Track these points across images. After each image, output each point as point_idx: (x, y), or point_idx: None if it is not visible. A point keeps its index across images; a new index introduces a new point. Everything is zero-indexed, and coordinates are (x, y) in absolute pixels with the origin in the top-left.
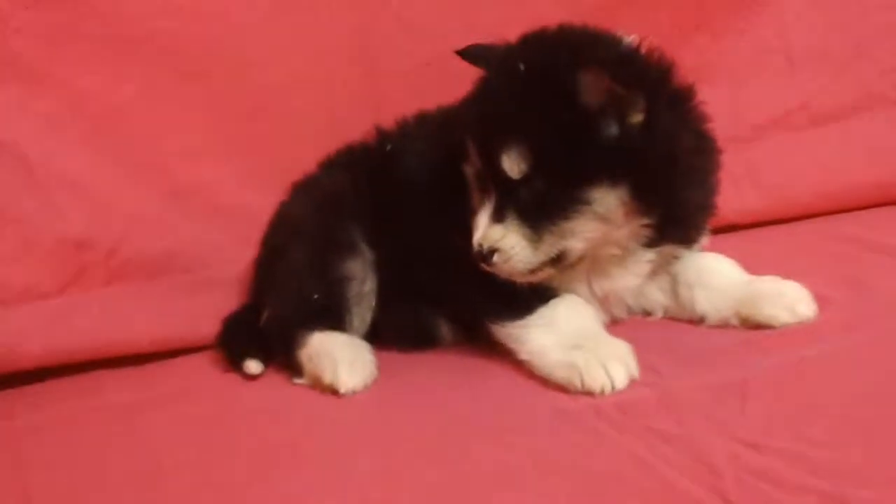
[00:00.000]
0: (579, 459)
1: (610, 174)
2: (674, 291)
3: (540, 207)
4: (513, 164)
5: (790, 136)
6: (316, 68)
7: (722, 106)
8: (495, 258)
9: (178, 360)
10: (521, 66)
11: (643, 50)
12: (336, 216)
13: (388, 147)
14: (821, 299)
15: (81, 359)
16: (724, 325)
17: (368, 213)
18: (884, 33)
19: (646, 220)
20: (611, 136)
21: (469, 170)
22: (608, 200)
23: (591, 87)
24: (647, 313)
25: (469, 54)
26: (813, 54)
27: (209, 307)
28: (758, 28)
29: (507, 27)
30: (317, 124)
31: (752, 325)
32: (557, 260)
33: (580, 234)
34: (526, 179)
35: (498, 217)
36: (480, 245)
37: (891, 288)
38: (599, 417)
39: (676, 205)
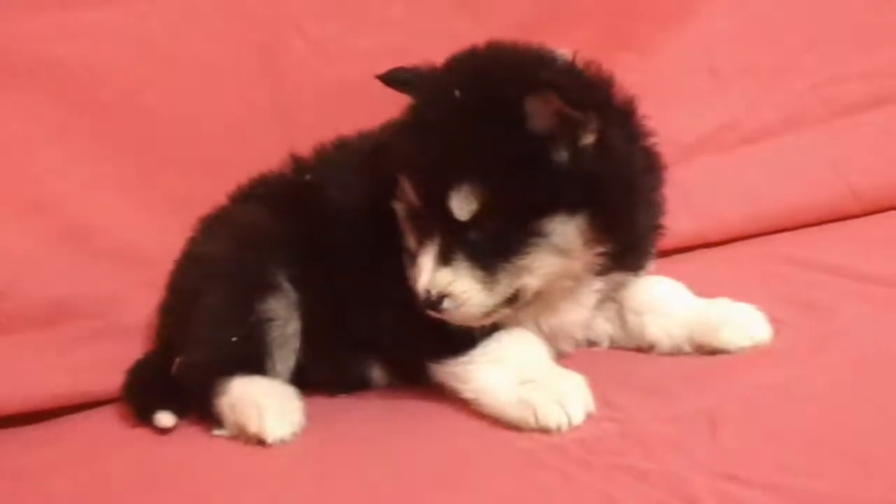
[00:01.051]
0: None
1: (566, 203)
2: (621, 319)
3: (492, 246)
4: (461, 205)
5: (719, 156)
6: (219, 92)
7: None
8: (445, 304)
9: (79, 416)
10: (457, 93)
11: (580, 65)
12: (254, 252)
13: (307, 177)
14: (773, 322)
15: None
16: (675, 353)
17: (289, 249)
18: (812, 46)
19: (601, 249)
20: (562, 163)
21: (401, 207)
22: (566, 231)
23: (540, 113)
24: (593, 343)
25: (393, 80)
26: (740, 70)
27: (110, 356)
28: (683, 44)
29: (420, 46)
30: (222, 153)
31: (707, 351)
32: (513, 299)
33: (537, 269)
34: (475, 219)
35: (444, 259)
36: (428, 291)
37: (842, 307)
38: (562, 456)
39: (632, 229)
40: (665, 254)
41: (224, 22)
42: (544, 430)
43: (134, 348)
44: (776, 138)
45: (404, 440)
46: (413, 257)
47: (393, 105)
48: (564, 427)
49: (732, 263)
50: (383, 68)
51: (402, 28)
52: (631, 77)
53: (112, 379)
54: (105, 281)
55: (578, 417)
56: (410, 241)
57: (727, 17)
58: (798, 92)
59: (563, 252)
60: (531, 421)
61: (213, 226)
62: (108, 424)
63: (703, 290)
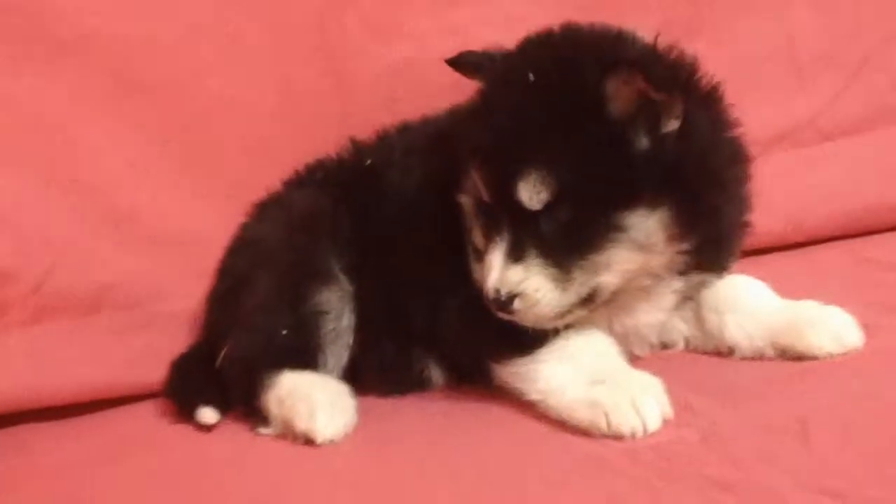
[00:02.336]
0: None
1: (647, 195)
2: (698, 319)
3: (566, 240)
4: (531, 194)
5: (798, 152)
6: (273, 73)
7: None
8: (516, 304)
9: (118, 411)
10: (531, 76)
11: (661, 47)
12: (309, 240)
13: (369, 162)
14: (863, 327)
15: (2, 411)
16: (756, 357)
17: (346, 238)
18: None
19: (684, 245)
20: (643, 150)
21: (466, 200)
22: (647, 225)
23: (621, 94)
24: (667, 346)
25: (462, 63)
26: (822, 62)
27: (154, 349)
28: (761, 32)
29: (483, 28)
30: (275, 137)
31: (792, 356)
32: (589, 299)
33: (616, 266)
34: (547, 209)
35: (515, 256)
36: (497, 291)
37: None
38: (637, 464)
39: (717, 224)
40: (741, 254)
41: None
42: (617, 436)
43: (179, 340)
44: (858, 135)
45: (463, 443)
46: (479, 254)
47: (452, 88)
48: (639, 432)
49: (813, 265)
50: (441, 50)
51: (460, 9)
52: (704, 66)
53: (155, 372)
54: (150, 268)
55: (655, 422)
56: (477, 237)
57: (809, 5)
58: (882, 87)
59: (643, 248)
60: (602, 425)
61: (267, 211)
62: (148, 420)
63: (784, 293)
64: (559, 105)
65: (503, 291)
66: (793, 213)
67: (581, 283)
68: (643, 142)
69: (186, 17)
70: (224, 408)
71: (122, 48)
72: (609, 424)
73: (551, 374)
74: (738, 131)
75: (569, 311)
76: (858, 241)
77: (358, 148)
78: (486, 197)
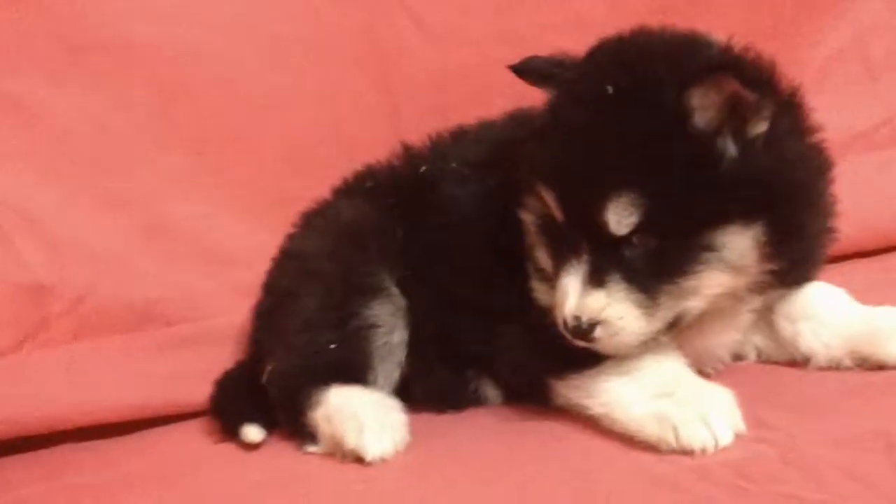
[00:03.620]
0: None
1: (740, 211)
2: (771, 327)
3: (653, 264)
4: (620, 218)
5: (873, 155)
6: (319, 77)
7: None
8: (598, 332)
9: (162, 431)
10: (610, 89)
11: (738, 50)
12: (359, 253)
13: (423, 169)
14: None
15: (41, 430)
16: (834, 367)
17: (398, 251)
18: None
19: (774, 265)
20: (732, 162)
21: (530, 218)
22: (741, 244)
23: (707, 104)
24: (738, 357)
25: (528, 71)
26: (894, 61)
27: (198, 366)
28: (835, 32)
29: (542, 33)
30: (322, 144)
31: (872, 366)
32: (673, 324)
33: (705, 290)
34: (634, 233)
35: (596, 281)
36: (577, 318)
37: None
38: (710, 483)
39: (806, 239)
40: None
41: (327, 1)
42: (686, 452)
43: (224, 357)
44: None
45: (520, 462)
46: (543, 274)
47: (507, 95)
48: (710, 448)
49: (889, 273)
50: (497, 55)
51: (517, 12)
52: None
53: (199, 390)
54: (194, 283)
55: (726, 438)
56: (542, 258)
57: (884, 2)
58: None
59: (735, 269)
60: (671, 440)
61: (314, 222)
62: (192, 439)
63: (861, 300)
64: (641, 120)
65: (584, 319)
66: (868, 219)
67: (667, 309)
68: (731, 150)
69: (229, 25)
70: (270, 426)
71: (163, 56)
72: (678, 439)
73: (616, 387)
74: (820, 136)
75: (653, 338)
76: None
77: (410, 154)
78: (560, 218)
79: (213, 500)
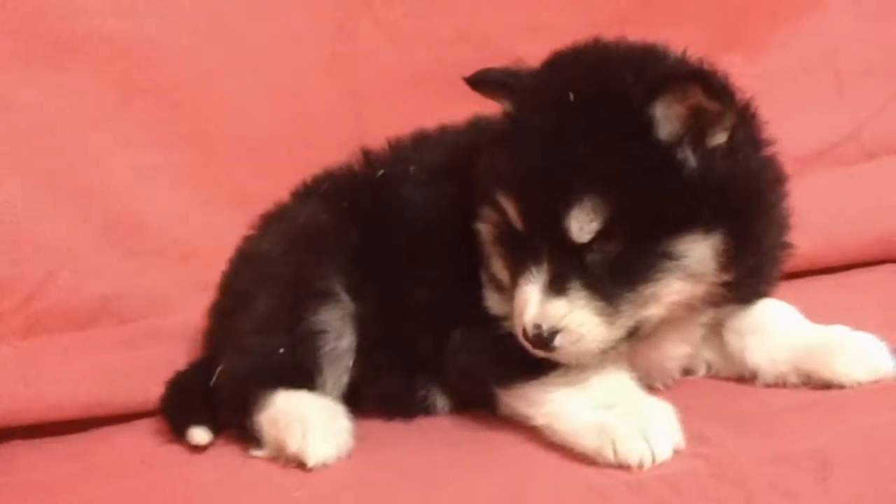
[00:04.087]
0: None
1: (700, 219)
2: (722, 341)
3: (614, 271)
4: (582, 224)
5: (839, 170)
6: (286, 79)
7: None
8: (558, 341)
9: (112, 429)
10: (572, 96)
11: (692, 62)
12: (311, 257)
13: (381, 173)
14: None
15: None
16: (780, 383)
17: (350, 255)
18: None
19: (730, 274)
20: (692, 170)
21: (486, 228)
22: (700, 252)
23: (671, 114)
24: (687, 371)
25: (483, 83)
26: (864, 75)
27: (153, 364)
28: (801, 42)
29: (507, 37)
30: (288, 145)
31: (817, 383)
32: (632, 333)
33: (665, 298)
34: (595, 240)
35: (556, 289)
36: (538, 327)
37: None
38: (642, 496)
39: (761, 249)
40: None
41: (294, 4)
42: (623, 465)
43: (181, 356)
44: None
45: (462, 472)
46: (497, 284)
47: (471, 99)
48: (647, 463)
49: (851, 290)
50: (460, 57)
51: (483, 15)
52: (740, 80)
53: (154, 389)
54: (152, 280)
55: (664, 452)
56: (497, 268)
57: (852, 12)
58: None
59: (695, 277)
60: (609, 453)
61: (269, 224)
62: (140, 439)
63: (817, 317)
64: (604, 128)
65: (545, 327)
66: (833, 235)
67: (628, 317)
68: (691, 160)
69: (197, 21)
70: (217, 428)
71: (129, 50)
72: (616, 452)
73: (559, 398)
74: (774, 149)
75: (612, 347)
76: None
77: (369, 158)
78: (519, 227)
79: (154, 502)
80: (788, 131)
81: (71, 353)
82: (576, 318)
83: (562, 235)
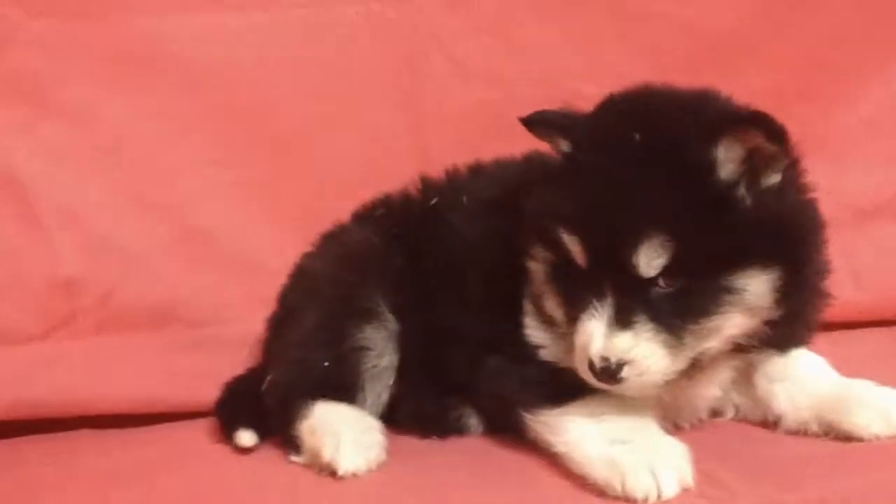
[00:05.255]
0: None
1: (759, 255)
2: (750, 385)
3: (678, 305)
4: (650, 260)
5: None
6: (355, 107)
7: (821, 185)
8: (625, 372)
9: (171, 426)
10: (637, 137)
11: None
12: (357, 276)
13: (434, 201)
14: None
15: (59, 414)
16: (802, 431)
17: (396, 277)
18: None
19: (782, 311)
20: (747, 208)
21: (537, 267)
22: (759, 287)
23: (732, 156)
24: (716, 413)
25: (540, 122)
26: None
27: (212, 369)
28: (872, 100)
29: (573, 78)
30: (353, 170)
31: (837, 435)
32: (692, 365)
33: (725, 331)
34: (660, 275)
35: (622, 322)
36: (606, 360)
37: None
38: None
39: (805, 290)
40: (825, 327)
41: (366, 34)
42: (629, 499)
43: (239, 363)
44: None
45: (482, 493)
46: (545, 319)
47: (532, 137)
48: (652, 499)
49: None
50: (525, 96)
51: (549, 57)
52: (807, 130)
53: (211, 391)
54: (218, 290)
55: (671, 490)
56: (549, 305)
57: None
58: None
59: (752, 311)
60: (617, 486)
61: (325, 243)
62: (196, 436)
63: (852, 367)
64: (667, 168)
65: (612, 359)
66: (889, 289)
67: (691, 349)
68: (747, 199)
69: (276, 48)
70: (264, 432)
71: (209, 72)
72: (623, 485)
73: (577, 427)
74: (814, 195)
75: (674, 379)
76: None
77: (426, 186)
78: (582, 262)
79: (192, 496)
80: (852, 183)
81: (139, 353)
82: (642, 351)
83: (628, 270)
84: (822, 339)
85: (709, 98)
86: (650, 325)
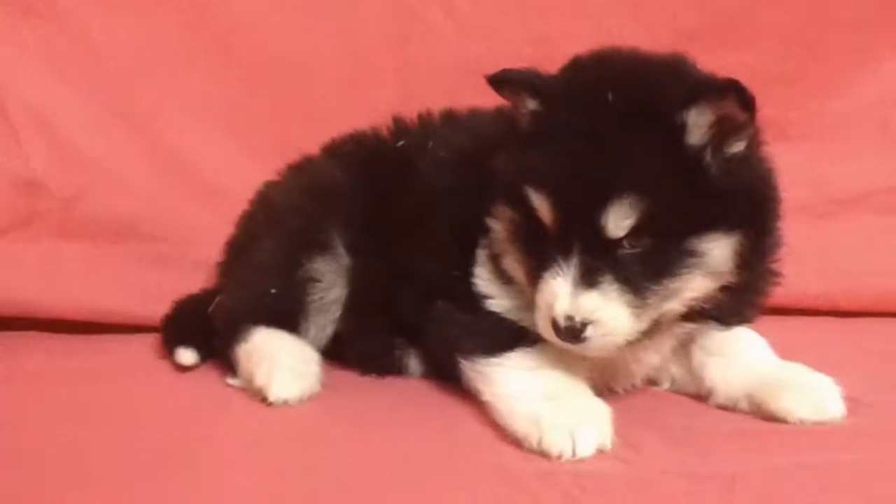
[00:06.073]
0: None
1: (723, 220)
2: (687, 357)
3: (643, 266)
4: (619, 220)
5: (871, 219)
6: (342, 44)
7: (798, 171)
8: (589, 332)
9: (119, 337)
10: (610, 97)
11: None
12: (317, 208)
13: (401, 143)
14: (854, 402)
15: (9, 313)
16: (732, 408)
17: (355, 213)
18: None
19: (743, 277)
20: (713, 174)
21: (499, 226)
22: (721, 251)
23: (702, 120)
24: (652, 382)
25: (508, 81)
26: None
27: (167, 287)
28: (856, 90)
29: (570, 42)
30: (333, 108)
31: (765, 415)
32: (654, 327)
33: (687, 293)
34: (628, 236)
35: (588, 282)
36: (571, 318)
37: None
38: (547, 485)
39: (764, 261)
40: (781, 312)
41: None
42: (545, 455)
43: (194, 283)
44: None
45: (407, 433)
46: (507, 279)
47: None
48: (567, 457)
49: (848, 336)
50: (520, 53)
51: (550, 20)
52: (790, 115)
53: (163, 309)
54: (184, 209)
55: (587, 450)
56: (510, 264)
57: None
58: None
59: (714, 275)
60: (534, 441)
61: (291, 174)
62: (141, 351)
63: (795, 353)
64: (640, 130)
65: (577, 318)
66: (851, 280)
67: (653, 310)
68: (712, 164)
69: None
70: (207, 353)
71: (205, 3)
72: (540, 442)
73: (509, 380)
74: (772, 165)
75: (636, 340)
76: None
77: (398, 128)
78: (549, 222)
79: (120, 407)
80: (829, 171)
81: (96, 263)
82: (608, 311)
83: (595, 231)
84: (773, 322)
85: (679, 63)
86: (616, 286)
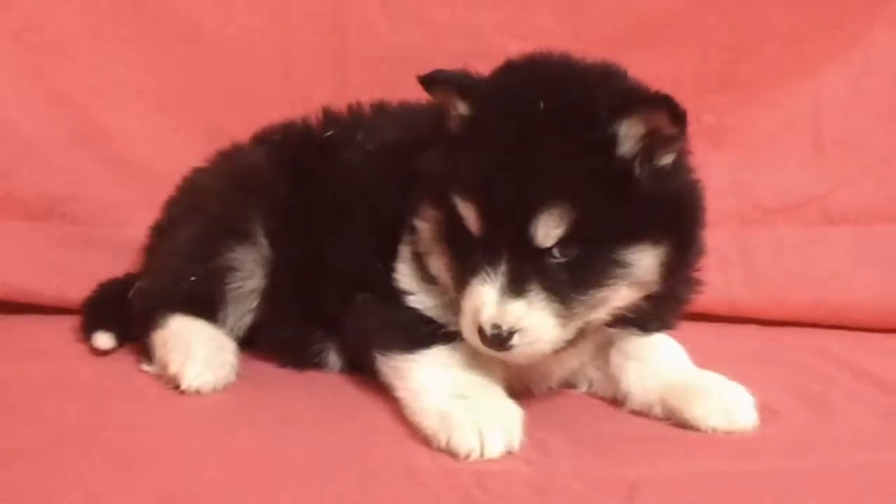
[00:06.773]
0: None
1: (651, 231)
2: (605, 361)
3: (571, 275)
4: (548, 230)
5: (799, 230)
6: (278, 30)
7: (729, 178)
8: (515, 340)
9: (36, 318)
10: (542, 105)
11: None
12: (240, 197)
13: (329, 133)
14: (768, 412)
15: None
16: (646, 412)
17: (277, 203)
18: None
19: (667, 286)
20: (642, 185)
21: (425, 227)
22: (648, 262)
23: (633, 132)
24: (569, 385)
25: (439, 82)
26: (843, 143)
27: (91, 269)
28: (789, 101)
29: (499, 35)
30: (267, 94)
31: (678, 421)
32: (578, 335)
33: (612, 303)
34: (556, 245)
35: (516, 290)
36: (497, 326)
37: (854, 417)
38: (449, 484)
39: (688, 270)
40: (704, 318)
41: None
42: (452, 454)
43: (118, 266)
44: (864, 226)
45: (317, 428)
46: (431, 280)
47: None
48: (474, 456)
49: (767, 344)
50: (450, 45)
51: (479, 10)
52: (726, 121)
53: (85, 291)
54: (110, 191)
55: (494, 451)
56: (434, 265)
57: (845, 84)
58: None
59: (640, 285)
60: (442, 439)
61: (219, 160)
62: (57, 333)
63: (713, 361)
64: (570, 139)
65: (504, 327)
66: (776, 290)
67: (579, 320)
68: (642, 175)
69: None
70: (124, 338)
71: None
72: (449, 440)
73: (422, 376)
74: (698, 176)
75: (562, 349)
76: (832, 335)
77: (328, 118)
78: (476, 228)
79: (30, 388)
80: (760, 180)
81: (19, 241)
82: (535, 319)
83: (524, 239)
84: (695, 328)
85: (612, 73)
86: (543, 295)
